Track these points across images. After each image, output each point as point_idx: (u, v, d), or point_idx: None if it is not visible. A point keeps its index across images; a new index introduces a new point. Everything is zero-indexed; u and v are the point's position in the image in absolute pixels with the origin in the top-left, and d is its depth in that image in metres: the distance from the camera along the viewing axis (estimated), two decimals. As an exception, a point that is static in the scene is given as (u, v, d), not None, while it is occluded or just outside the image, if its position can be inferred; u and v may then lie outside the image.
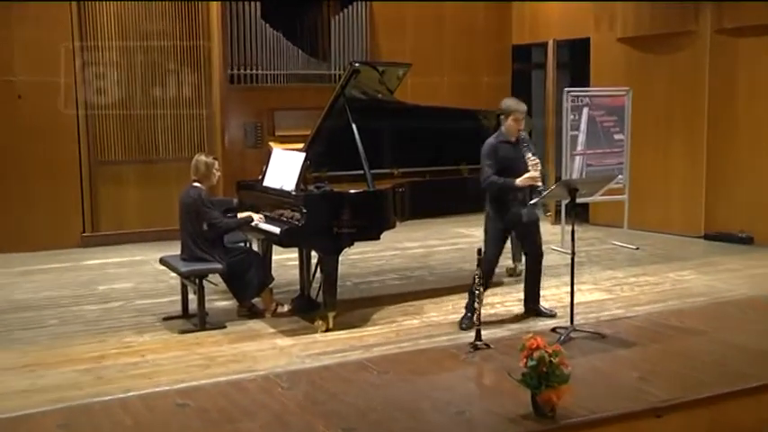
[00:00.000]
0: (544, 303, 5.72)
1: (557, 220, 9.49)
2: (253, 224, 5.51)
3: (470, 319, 5.25)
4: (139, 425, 3.87)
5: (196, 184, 5.50)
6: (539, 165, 5.23)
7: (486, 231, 5.48)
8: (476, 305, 4.91)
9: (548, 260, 7.55)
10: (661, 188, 9.03)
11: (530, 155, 5.21)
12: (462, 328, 5.31)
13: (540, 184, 5.21)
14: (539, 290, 5.67)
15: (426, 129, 6.41)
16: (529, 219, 5.38)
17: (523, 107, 5.31)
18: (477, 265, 4.91)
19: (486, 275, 5.29)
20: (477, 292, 4.90)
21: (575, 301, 5.21)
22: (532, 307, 5.64)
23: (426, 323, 5.57)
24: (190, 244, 5.47)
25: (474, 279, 4.96)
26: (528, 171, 5.18)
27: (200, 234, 5.43)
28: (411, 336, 5.27)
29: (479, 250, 4.97)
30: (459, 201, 6.29)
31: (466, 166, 6.77)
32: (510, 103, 5.32)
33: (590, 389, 4.16)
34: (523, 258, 5.86)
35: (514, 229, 5.53)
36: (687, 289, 6.45)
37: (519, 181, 5.19)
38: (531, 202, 5.24)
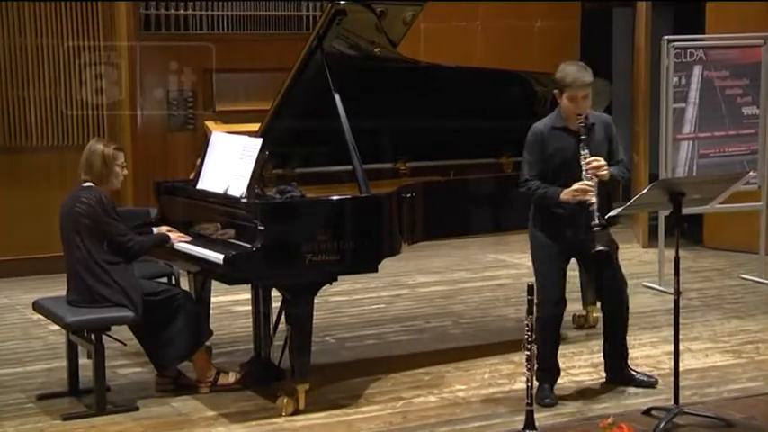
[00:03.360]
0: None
1: (651, 242, 9.56)
2: (170, 245, 5.58)
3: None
4: None
5: (89, 184, 5.58)
6: (601, 168, 5.22)
7: (533, 259, 5.56)
8: (526, 371, 4.98)
9: (638, 303, 7.68)
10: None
11: (586, 152, 5.23)
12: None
13: (593, 200, 5.18)
14: (625, 346, 5.77)
15: (449, 102, 6.50)
16: (602, 247, 5.29)
17: (585, 78, 5.30)
18: (529, 312, 4.98)
19: (548, 329, 5.38)
20: (528, 353, 4.97)
21: (681, 368, 5.25)
22: (619, 372, 5.73)
23: (449, 401, 5.62)
24: (83, 276, 5.49)
25: (525, 332, 5.02)
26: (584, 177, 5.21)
27: (100, 262, 5.46)
28: (426, 420, 5.32)
29: (530, 287, 5.04)
30: (500, 212, 6.37)
31: (509, 158, 6.86)
32: (566, 70, 5.34)
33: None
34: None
35: (578, 257, 5.60)
36: None
37: (564, 195, 5.27)
38: (610, 214, 5.31)
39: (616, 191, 6.74)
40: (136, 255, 5.57)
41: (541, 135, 5.40)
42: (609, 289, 5.65)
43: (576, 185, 5.23)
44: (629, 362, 5.80)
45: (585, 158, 5.24)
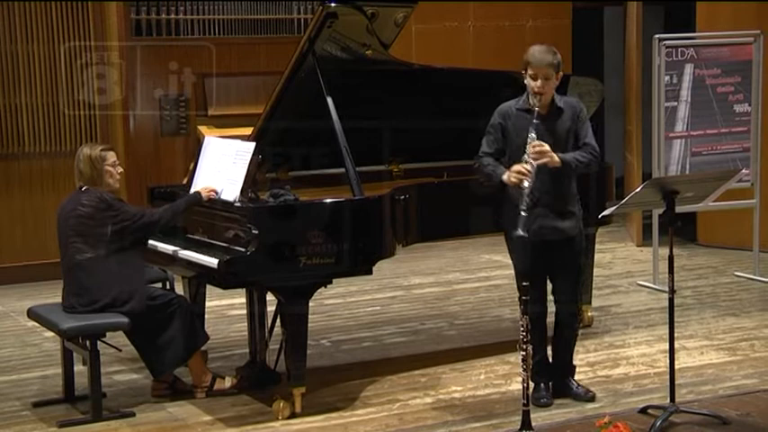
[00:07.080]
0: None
1: (645, 241, 9.57)
2: (204, 198, 5.52)
3: None
4: None
5: (87, 187, 5.56)
6: (544, 153, 5.11)
7: (510, 256, 5.53)
8: (522, 372, 4.98)
9: (632, 302, 7.73)
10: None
11: (533, 136, 5.15)
12: None
13: (525, 183, 5.06)
14: (570, 357, 5.67)
15: (441, 103, 6.50)
16: (522, 232, 5.03)
17: (546, 57, 5.24)
18: (524, 312, 4.98)
19: (534, 326, 5.22)
20: (523, 353, 4.97)
21: (676, 366, 5.25)
22: (560, 382, 5.62)
23: (445, 402, 5.64)
24: (82, 279, 5.49)
25: (521, 332, 5.03)
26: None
27: (103, 260, 5.45)
28: (422, 422, 5.33)
29: (525, 287, 5.04)
30: (494, 213, 6.37)
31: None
32: (531, 50, 5.33)
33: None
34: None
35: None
36: None
37: (505, 176, 5.23)
38: (603, 213, 5.32)
39: (609, 187, 6.75)
40: (164, 223, 5.56)
41: (504, 114, 5.40)
42: (559, 302, 5.55)
43: (515, 167, 5.16)
44: (573, 372, 5.67)
45: (531, 142, 5.16)
